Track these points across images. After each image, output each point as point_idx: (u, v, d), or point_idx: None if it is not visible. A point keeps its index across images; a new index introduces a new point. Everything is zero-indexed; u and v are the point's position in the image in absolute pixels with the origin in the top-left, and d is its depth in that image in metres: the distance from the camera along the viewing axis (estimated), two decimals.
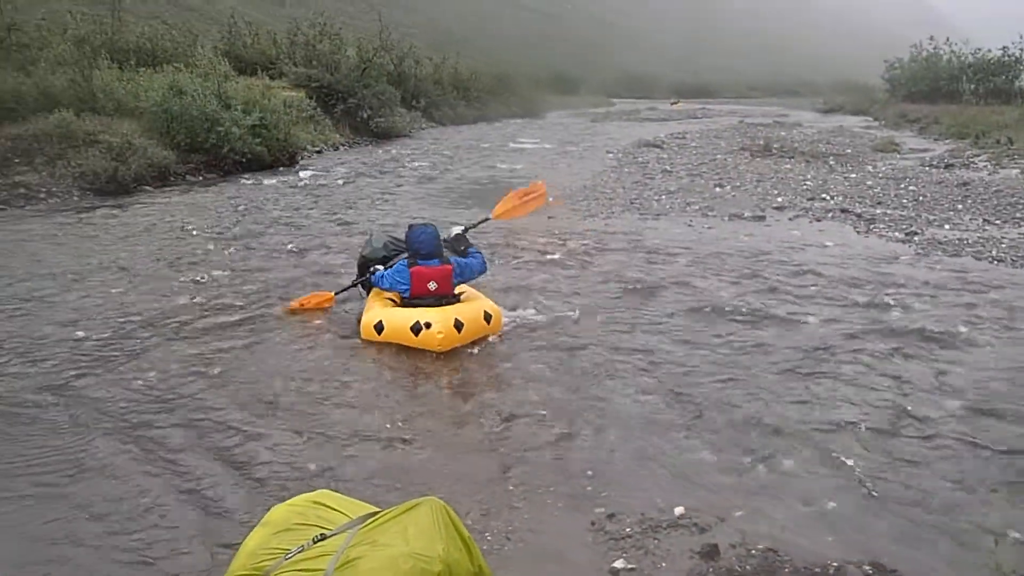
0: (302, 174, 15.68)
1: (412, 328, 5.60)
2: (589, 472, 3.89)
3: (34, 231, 9.81)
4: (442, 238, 6.10)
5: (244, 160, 15.90)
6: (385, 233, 6.87)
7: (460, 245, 6.30)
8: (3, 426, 4.34)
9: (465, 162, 19.20)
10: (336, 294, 6.75)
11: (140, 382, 5.00)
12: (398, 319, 5.73)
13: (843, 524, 3.44)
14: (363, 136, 24.71)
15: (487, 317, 5.88)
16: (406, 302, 5.90)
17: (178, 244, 9.14)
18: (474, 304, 5.94)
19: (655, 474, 3.90)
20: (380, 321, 5.79)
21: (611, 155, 20.12)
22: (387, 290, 6.03)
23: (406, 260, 5.91)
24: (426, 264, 5.83)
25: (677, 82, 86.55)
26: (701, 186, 13.77)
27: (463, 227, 6.55)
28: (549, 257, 8.41)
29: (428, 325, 5.57)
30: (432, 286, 5.82)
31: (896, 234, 9.53)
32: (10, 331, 5.96)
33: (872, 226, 10.03)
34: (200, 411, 4.57)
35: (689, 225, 10.25)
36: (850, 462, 3.96)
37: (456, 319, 5.65)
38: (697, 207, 11.54)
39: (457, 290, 6.03)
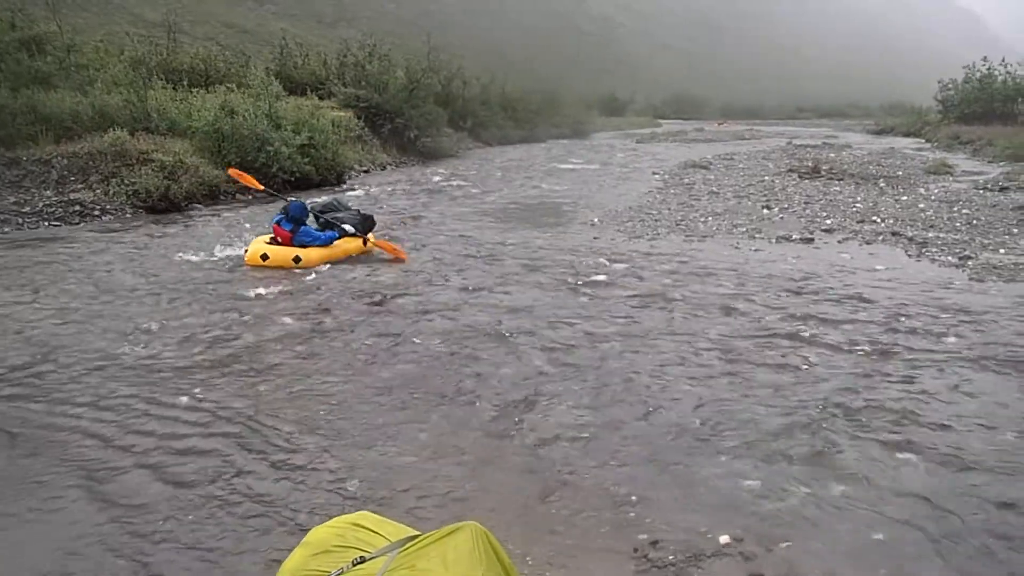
0: (349, 193, 15.85)
1: (245, 252, 9.23)
2: (632, 497, 3.82)
3: (88, 247, 10.05)
4: (319, 211, 9.81)
5: (293, 179, 16.15)
6: (330, 205, 10.14)
7: (324, 220, 9.67)
8: (50, 439, 4.41)
9: (510, 182, 19.25)
10: (264, 188, 10.97)
11: (186, 398, 5.05)
12: (249, 247, 9.34)
13: (896, 557, 3.33)
14: (410, 156, 24.95)
15: (296, 259, 8.99)
16: (273, 239, 9.24)
17: (227, 261, 9.28)
18: (290, 250, 9.05)
19: (700, 500, 3.82)
20: (246, 248, 9.37)
21: (657, 176, 20.05)
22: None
23: (280, 217, 9.25)
24: (281, 225, 9.17)
25: (725, 103, 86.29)
26: (748, 208, 13.62)
27: (322, 214, 9.76)
28: (593, 278, 8.35)
29: (247, 251, 9.22)
30: (279, 239, 9.17)
31: (949, 258, 9.31)
32: (61, 345, 6.08)
33: (924, 250, 9.82)
34: (242, 427, 4.59)
35: (736, 247, 10.13)
36: (902, 493, 3.84)
37: (264, 253, 9.02)
38: (744, 229, 11.41)
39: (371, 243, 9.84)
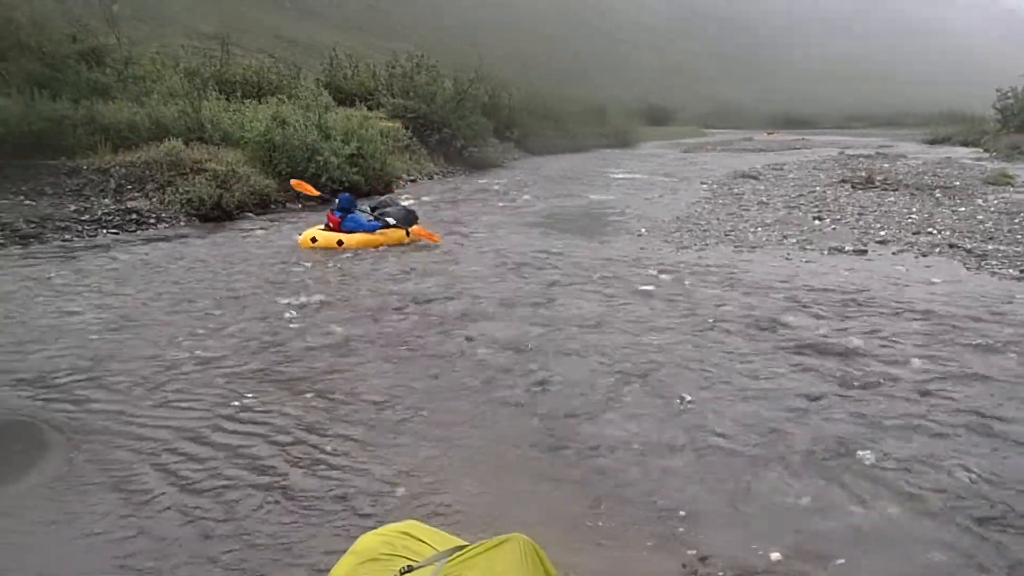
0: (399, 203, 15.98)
1: (299, 236, 11.07)
2: (681, 512, 3.77)
3: (144, 255, 10.26)
4: (374, 206, 11.60)
5: (341, 188, 16.30)
6: (383, 202, 11.83)
7: (378, 212, 11.29)
8: (107, 442, 4.49)
9: (556, 192, 19.26)
10: (319, 194, 13.32)
11: (236, 403, 5.11)
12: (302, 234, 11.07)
13: None
14: (457, 166, 25.10)
15: (339, 242, 10.60)
16: (326, 227, 10.98)
17: (277, 268, 9.40)
18: (334, 234, 10.74)
19: (751, 515, 3.76)
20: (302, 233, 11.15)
21: (705, 186, 19.90)
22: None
23: (334, 207, 11.05)
24: (335, 212, 10.93)
25: (774, 113, 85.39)
26: (799, 218, 13.45)
27: (375, 210, 11.44)
28: (641, 288, 8.30)
29: (299, 233, 11.10)
30: (330, 224, 10.91)
31: (1010, 271, 9.07)
32: (118, 350, 6.20)
33: (983, 263, 9.58)
34: (292, 435, 4.63)
35: (786, 258, 9.99)
36: (960, 514, 3.74)
37: (313, 237, 10.77)
38: (795, 240, 11.26)
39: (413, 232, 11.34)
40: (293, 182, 13.09)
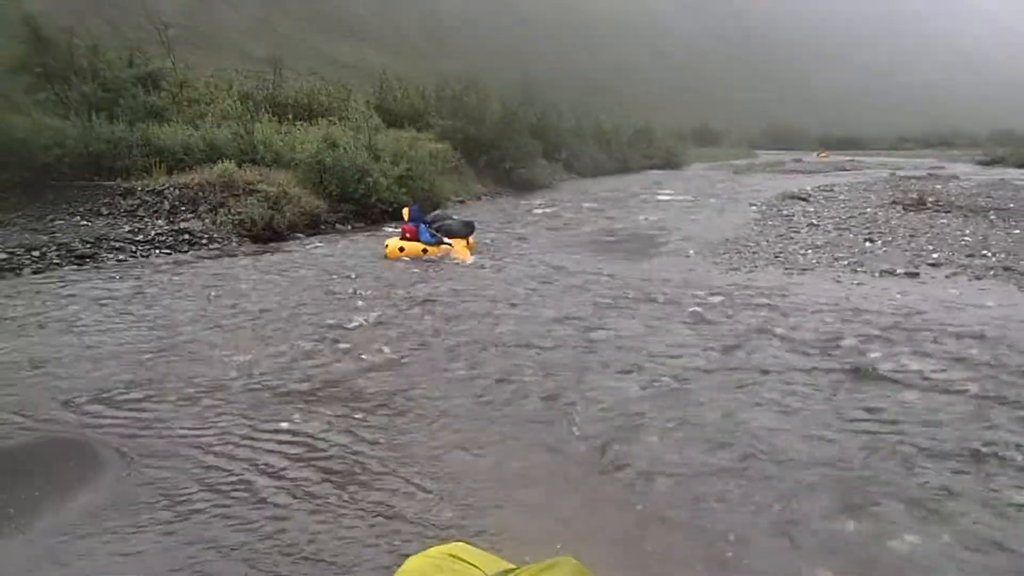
0: (453, 216, 16.10)
1: (386, 248, 11.96)
2: (730, 536, 3.72)
3: (195, 275, 10.44)
4: (433, 216, 12.85)
5: (391, 209, 16.49)
6: (437, 216, 13.04)
7: (436, 225, 12.28)
8: (158, 461, 4.57)
9: (604, 213, 19.23)
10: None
11: (286, 423, 5.16)
12: (388, 243, 12.08)
13: None
14: (505, 187, 25.21)
15: (424, 250, 11.67)
16: (403, 237, 11.93)
17: (326, 289, 9.50)
18: (419, 243, 11.74)
19: (800, 542, 3.69)
20: (387, 245, 12.10)
21: (754, 207, 19.72)
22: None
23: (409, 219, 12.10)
24: (408, 224, 11.98)
25: (824, 134, 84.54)
26: (850, 240, 13.25)
27: (434, 222, 12.43)
28: (689, 310, 8.23)
29: (387, 245, 11.97)
30: (407, 235, 11.91)
31: None
32: (167, 371, 6.31)
33: None
34: (337, 454, 4.67)
35: (837, 281, 9.84)
36: (1015, 546, 3.64)
37: (401, 246, 11.77)
38: (846, 262, 11.09)
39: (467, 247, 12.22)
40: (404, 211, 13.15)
